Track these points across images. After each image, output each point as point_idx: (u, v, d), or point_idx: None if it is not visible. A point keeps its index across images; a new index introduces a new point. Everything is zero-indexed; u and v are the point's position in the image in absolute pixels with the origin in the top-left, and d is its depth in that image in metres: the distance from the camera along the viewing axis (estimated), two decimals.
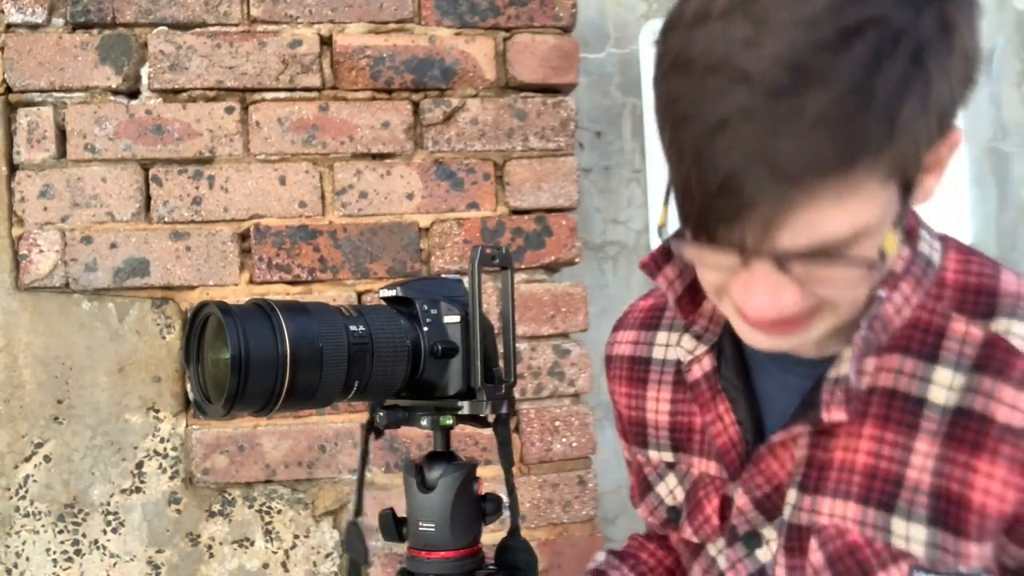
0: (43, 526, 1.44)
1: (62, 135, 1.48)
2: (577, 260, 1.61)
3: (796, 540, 0.85)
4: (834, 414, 0.79)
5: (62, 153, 1.48)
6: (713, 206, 0.67)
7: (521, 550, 0.96)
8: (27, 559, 1.43)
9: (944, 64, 0.66)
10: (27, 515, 1.44)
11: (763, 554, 0.88)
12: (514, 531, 0.97)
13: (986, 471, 0.75)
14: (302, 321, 0.85)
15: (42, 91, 1.48)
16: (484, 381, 0.91)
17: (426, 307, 0.93)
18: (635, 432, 1.02)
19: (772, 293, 0.71)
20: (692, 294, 0.90)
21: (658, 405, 0.99)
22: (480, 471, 0.94)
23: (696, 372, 0.91)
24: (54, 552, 1.44)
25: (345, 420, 1.51)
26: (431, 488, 0.92)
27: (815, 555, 0.83)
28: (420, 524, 0.92)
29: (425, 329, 0.92)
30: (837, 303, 0.74)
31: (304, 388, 0.85)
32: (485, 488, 0.95)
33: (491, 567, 0.94)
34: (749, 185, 0.65)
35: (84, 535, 1.45)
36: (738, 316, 0.77)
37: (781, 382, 0.88)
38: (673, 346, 0.97)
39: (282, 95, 1.53)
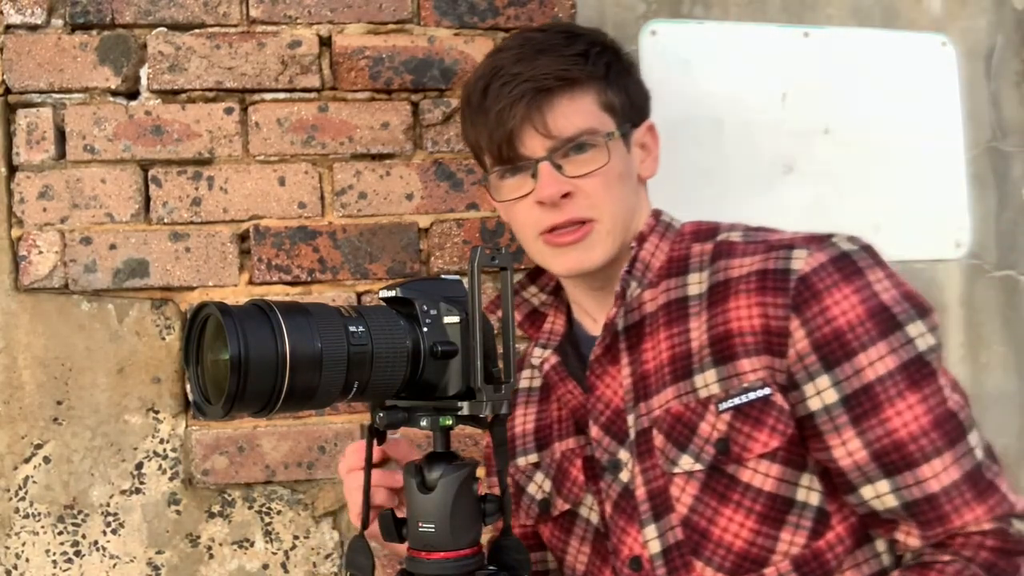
0: (43, 527, 1.44)
1: (61, 136, 1.48)
2: None
3: (644, 444, 1.08)
4: (616, 321, 1.12)
5: (61, 154, 1.48)
6: (504, 133, 1.10)
7: (514, 549, 0.96)
8: (27, 560, 1.43)
9: (625, 75, 1.17)
10: (27, 516, 1.44)
11: (624, 475, 1.10)
12: (506, 530, 0.97)
13: (734, 306, 1.05)
14: (302, 322, 0.86)
15: (41, 92, 1.48)
16: (484, 381, 0.91)
17: (426, 307, 0.93)
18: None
19: (551, 177, 1.09)
20: (532, 320, 1.26)
21: (525, 418, 1.24)
22: (480, 471, 0.94)
23: (547, 367, 1.20)
24: (54, 553, 1.44)
25: (345, 421, 1.51)
26: (431, 488, 0.92)
27: (657, 440, 1.07)
28: (420, 524, 0.92)
29: (425, 330, 0.92)
30: (597, 204, 1.10)
31: (303, 389, 0.85)
32: (485, 489, 0.95)
33: (492, 568, 0.94)
34: (522, 105, 1.09)
35: (84, 536, 1.45)
36: (544, 243, 1.12)
37: None
38: (534, 377, 1.26)
39: (281, 96, 1.52)
